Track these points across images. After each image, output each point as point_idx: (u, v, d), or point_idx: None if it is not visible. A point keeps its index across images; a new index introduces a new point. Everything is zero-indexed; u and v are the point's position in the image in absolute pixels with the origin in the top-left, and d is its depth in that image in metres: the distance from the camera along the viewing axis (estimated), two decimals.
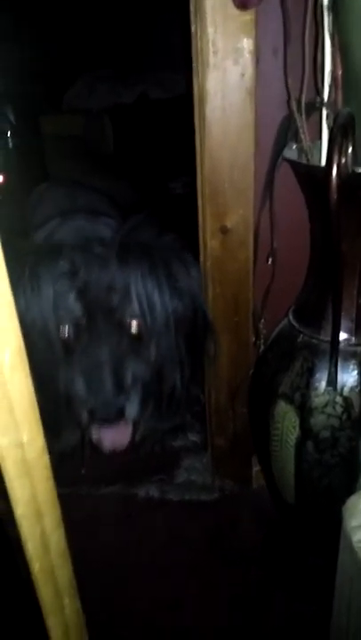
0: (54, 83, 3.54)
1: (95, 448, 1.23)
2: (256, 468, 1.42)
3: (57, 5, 3.28)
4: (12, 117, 2.24)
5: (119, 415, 1.08)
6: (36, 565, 0.62)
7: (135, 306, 1.07)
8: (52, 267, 1.06)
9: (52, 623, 0.68)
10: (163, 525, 1.38)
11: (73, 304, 1.06)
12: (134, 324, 1.09)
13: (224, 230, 1.13)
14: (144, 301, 1.08)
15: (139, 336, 1.10)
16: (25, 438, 0.55)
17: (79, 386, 1.08)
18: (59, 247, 1.10)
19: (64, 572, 0.66)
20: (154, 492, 1.47)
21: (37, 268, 1.05)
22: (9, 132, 2.27)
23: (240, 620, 1.16)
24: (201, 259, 1.21)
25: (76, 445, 1.61)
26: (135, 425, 1.32)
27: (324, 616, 1.06)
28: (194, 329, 1.17)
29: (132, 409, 1.10)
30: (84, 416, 1.09)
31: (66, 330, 1.08)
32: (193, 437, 1.50)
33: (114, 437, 1.14)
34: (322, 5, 0.75)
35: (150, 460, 1.54)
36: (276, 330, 1.03)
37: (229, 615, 1.17)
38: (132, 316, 1.08)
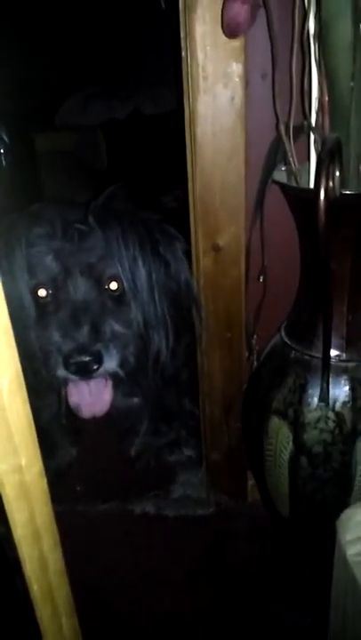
0: (47, 99, 3.57)
1: (73, 417, 1.20)
2: (251, 482, 1.43)
3: (49, 22, 3.32)
4: (4, 136, 2.26)
5: (96, 362, 1.05)
6: (34, 586, 0.63)
7: (116, 265, 1.09)
8: (29, 230, 1.08)
9: None
10: (159, 541, 1.38)
11: (50, 264, 1.09)
12: (114, 283, 1.10)
13: (216, 248, 1.15)
14: (125, 263, 1.09)
15: (119, 297, 1.11)
16: (23, 462, 0.56)
17: (55, 337, 1.07)
18: (37, 212, 1.13)
19: (62, 592, 0.67)
20: (150, 507, 1.47)
21: (13, 231, 1.08)
22: (2, 150, 2.29)
23: (236, 633, 1.17)
24: (194, 276, 1.23)
25: (71, 462, 1.62)
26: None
27: (320, 629, 1.07)
28: (178, 299, 1.17)
29: (110, 360, 1.08)
30: (60, 365, 1.06)
31: (44, 291, 1.10)
32: (188, 452, 1.51)
33: (92, 400, 1.12)
34: (308, 33, 0.77)
35: (146, 476, 1.55)
36: (269, 346, 1.05)
37: (226, 629, 1.17)
38: (112, 276, 1.10)
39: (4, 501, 0.56)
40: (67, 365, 1.05)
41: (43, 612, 0.66)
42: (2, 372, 0.51)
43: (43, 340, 1.08)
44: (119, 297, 1.12)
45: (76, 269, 1.09)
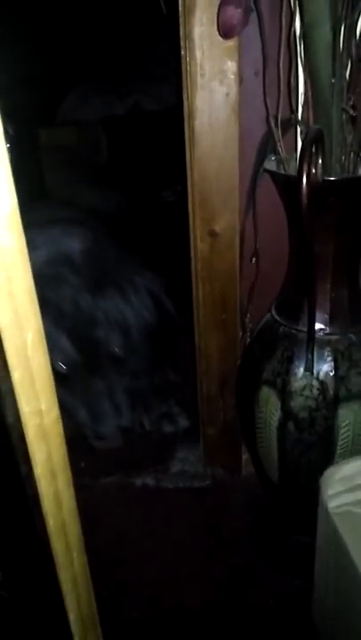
0: (48, 94, 3.65)
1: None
2: (245, 456, 1.51)
3: (52, 19, 3.39)
4: (10, 130, 2.33)
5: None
6: (50, 521, 0.71)
7: (118, 335, 1.30)
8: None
9: (64, 577, 0.78)
10: (159, 510, 1.47)
11: (65, 344, 1.27)
12: (117, 350, 1.32)
13: (213, 234, 1.23)
14: (121, 327, 1.31)
15: (120, 356, 1.32)
16: (43, 407, 0.65)
17: (82, 415, 1.29)
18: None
19: (73, 529, 0.76)
20: (150, 480, 1.56)
21: None
22: (9, 145, 2.36)
23: (230, 594, 1.26)
24: (192, 261, 1.31)
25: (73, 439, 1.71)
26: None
27: (308, 588, 1.16)
28: (159, 327, 1.41)
29: (125, 420, 1.33)
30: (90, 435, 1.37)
31: (61, 365, 1.28)
32: (183, 423, 1.61)
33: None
34: (295, 35, 0.86)
35: (145, 453, 1.64)
36: (261, 323, 1.14)
37: (220, 590, 1.26)
38: (117, 345, 1.30)
39: (27, 441, 0.65)
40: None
41: (57, 546, 0.74)
42: (26, 325, 0.60)
43: (70, 409, 1.37)
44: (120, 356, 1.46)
45: (89, 348, 1.42)
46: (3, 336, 0.58)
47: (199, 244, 1.26)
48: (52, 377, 0.65)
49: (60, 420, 0.68)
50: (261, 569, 1.30)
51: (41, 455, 0.67)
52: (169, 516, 1.45)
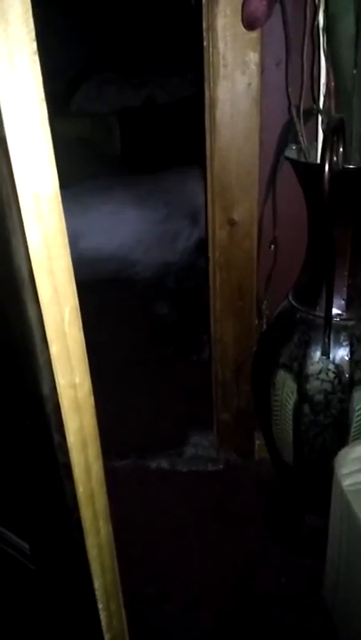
0: (62, 85, 3.67)
1: None
2: (258, 442, 1.55)
3: (65, 8, 3.41)
4: None
5: None
6: (80, 488, 0.75)
7: None
8: None
9: (90, 544, 0.82)
10: (173, 492, 1.51)
11: None
12: None
13: (231, 222, 1.26)
14: None
15: None
16: (77, 380, 0.68)
17: None
18: None
19: (101, 498, 0.79)
20: (164, 464, 1.60)
21: None
22: None
23: (243, 572, 1.29)
24: (210, 248, 1.34)
25: None
26: None
27: (319, 568, 1.20)
28: None
29: None
30: None
31: None
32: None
33: None
34: (318, 27, 0.88)
35: (159, 438, 1.68)
36: (278, 309, 1.17)
37: (233, 568, 1.30)
38: None
39: (62, 412, 0.69)
40: None
41: (85, 513, 0.78)
42: (64, 302, 0.63)
43: None
44: None
45: None
46: (43, 311, 0.62)
47: (218, 232, 1.29)
48: (85, 352, 0.69)
49: (92, 394, 0.72)
50: (274, 548, 1.34)
51: (74, 425, 0.70)
52: (183, 497, 1.49)
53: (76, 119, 3.59)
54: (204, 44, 1.12)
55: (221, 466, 1.59)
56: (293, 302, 1.11)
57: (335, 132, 0.80)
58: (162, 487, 1.53)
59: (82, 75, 3.65)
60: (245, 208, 1.24)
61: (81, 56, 3.60)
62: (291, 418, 1.10)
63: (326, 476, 1.04)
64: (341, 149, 0.85)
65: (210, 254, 1.36)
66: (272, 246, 1.19)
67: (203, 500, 1.48)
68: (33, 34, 0.50)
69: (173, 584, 1.27)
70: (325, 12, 0.84)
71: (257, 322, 1.37)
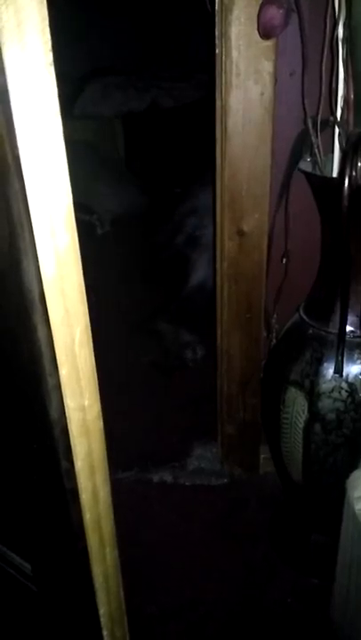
0: (66, 88, 3.65)
1: None
2: (263, 455, 1.52)
3: (69, 10, 3.39)
4: None
5: None
6: (87, 515, 0.72)
7: None
8: None
9: (96, 571, 0.79)
10: (176, 507, 1.48)
11: None
12: None
13: (241, 233, 1.24)
14: None
15: None
16: (86, 403, 0.66)
17: None
18: None
19: (108, 523, 0.77)
20: (167, 477, 1.57)
21: None
22: None
23: (246, 589, 1.26)
24: (217, 260, 1.31)
25: None
26: None
27: (326, 588, 1.17)
28: None
29: None
30: None
31: None
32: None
33: None
34: (338, 38, 0.86)
35: (162, 450, 1.65)
36: (288, 324, 1.14)
37: (238, 587, 1.27)
38: None
39: (70, 436, 0.66)
40: None
41: (92, 540, 0.75)
42: (75, 323, 0.60)
43: None
44: None
45: None
46: (54, 333, 0.59)
47: (227, 243, 1.26)
48: (95, 372, 0.66)
49: (101, 416, 0.69)
50: (279, 567, 1.31)
51: (82, 450, 0.68)
52: (187, 512, 1.46)
53: (79, 122, 3.57)
54: (217, 51, 1.10)
55: (225, 480, 1.56)
56: (305, 317, 1.08)
57: (355, 148, 0.78)
58: (165, 501, 1.49)
59: (86, 78, 3.62)
60: (255, 219, 1.22)
61: (86, 59, 3.58)
62: (301, 436, 1.07)
63: (336, 495, 1.01)
64: (360, 164, 0.82)
65: (217, 265, 1.33)
66: (284, 259, 1.16)
67: (207, 515, 1.45)
68: (49, 44, 0.47)
69: (177, 603, 1.24)
70: (347, 23, 0.81)
71: (265, 335, 1.34)
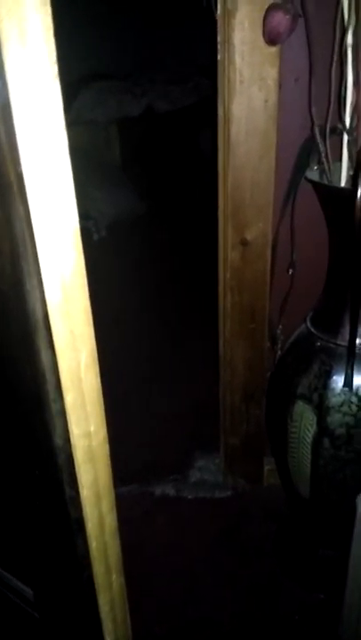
0: (61, 92, 3.61)
1: None
2: (267, 467, 1.49)
3: (64, 15, 3.36)
4: None
5: None
6: (93, 543, 0.69)
7: None
8: None
9: (102, 600, 0.75)
10: (178, 520, 1.45)
11: None
12: None
13: (244, 243, 1.21)
14: None
15: None
16: (92, 429, 0.63)
17: None
18: None
19: (114, 550, 0.73)
20: (169, 490, 1.54)
21: None
22: None
23: (252, 607, 1.23)
24: (220, 269, 1.29)
25: None
26: None
27: (333, 604, 1.14)
28: None
29: None
30: None
31: None
32: None
33: None
34: (346, 44, 0.83)
35: (164, 461, 1.62)
36: (294, 335, 1.11)
37: (242, 603, 1.24)
38: None
39: (75, 464, 0.63)
40: None
41: (98, 569, 0.72)
42: (81, 346, 0.57)
43: None
44: None
45: None
46: (58, 357, 0.56)
47: (230, 253, 1.23)
48: (101, 398, 0.63)
49: (107, 440, 0.66)
50: (286, 582, 1.28)
51: (88, 478, 0.65)
52: (190, 527, 1.43)
53: (74, 128, 3.54)
54: (219, 57, 1.07)
55: (229, 492, 1.53)
56: (312, 329, 1.06)
57: None
58: (167, 516, 1.46)
59: (81, 83, 3.59)
60: (259, 228, 1.19)
61: (81, 64, 3.55)
62: (309, 451, 1.04)
63: (344, 511, 0.98)
64: None
65: (220, 274, 1.30)
66: (290, 270, 1.13)
67: (210, 530, 1.41)
68: (54, 55, 0.44)
69: (183, 623, 1.21)
70: (356, 31, 0.79)
71: (270, 346, 1.31)
